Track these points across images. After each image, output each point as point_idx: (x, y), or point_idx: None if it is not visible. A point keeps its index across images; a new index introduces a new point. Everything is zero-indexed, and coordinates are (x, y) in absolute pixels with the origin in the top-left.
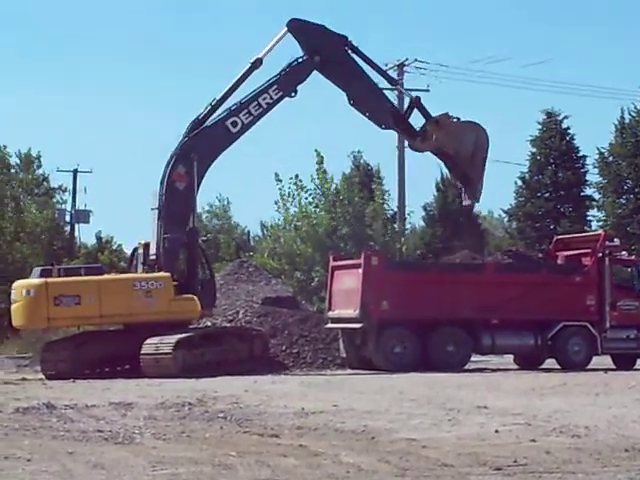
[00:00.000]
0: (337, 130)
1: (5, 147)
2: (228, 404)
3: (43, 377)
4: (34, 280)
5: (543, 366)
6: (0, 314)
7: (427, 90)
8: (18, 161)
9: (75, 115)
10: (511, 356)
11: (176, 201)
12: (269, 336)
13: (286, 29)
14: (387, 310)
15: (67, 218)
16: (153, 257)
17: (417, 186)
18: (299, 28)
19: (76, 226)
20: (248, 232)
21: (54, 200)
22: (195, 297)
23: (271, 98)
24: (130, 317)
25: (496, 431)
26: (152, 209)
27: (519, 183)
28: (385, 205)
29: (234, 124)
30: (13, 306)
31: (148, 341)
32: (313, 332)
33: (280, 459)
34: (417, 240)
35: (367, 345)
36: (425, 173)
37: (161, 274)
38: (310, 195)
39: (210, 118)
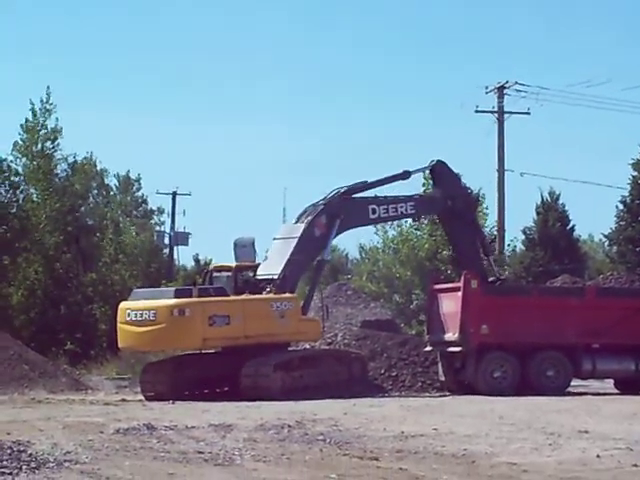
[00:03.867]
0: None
1: (106, 170)
2: (327, 427)
3: (143, 398)
4: (189, 299)
5: None
6: (99, 335)
7: (527, 113)
8: (117, 183)
9: (174, 137)
10: (611, 381)
11: (309, 242)
12: (368, 359)
13: (432, 164)
14: (487, 334)
15: (166, 240)
16: (268, 277)
17: (517, 210)
18: (441, 172)
19: (175, 248)
20: (347, 255)
21: (153, 222)
22: (318, 319)
23: (405, 210)
24: (267, 337)
25: (597, 456)
26: (275, 238)
27: (620, 207)
28: (486, 230)
29: (373, 211)
30: (148, 328)
31: (248, 363)
32: (412, 355)
33: None
34: (517, 264)
35: (466, 369)
36: (525, 196)
37: (291, 295)
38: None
39: (358, 195)
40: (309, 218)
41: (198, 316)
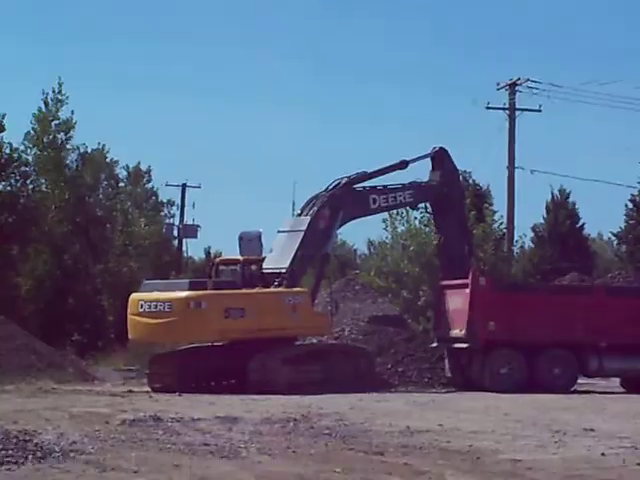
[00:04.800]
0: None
1: (116, 161)
2: (333, 421)
3: (149, 390)
4: (205, 292)
5: None
6: (106, 327)
7: (539, 110)
8: (127, 175)
9: (184, 130)
10: (618, 379)
11: (314, 235)
12: (375, 354)
13: (434, 151)
14: (494, 331)
15: (175, 232)
16: (275, 271)
17: (526, 207)
18: (442, 158)
19: (184, 240)
20: (355, 250)
21: (162, 214)
22: (327, 314)
23: (404, 199)
24: (279, 331)
25: (602, 454)
26: (279, 231)
27: (630, 206)
28: (495, 226)
29: (374, 201)
30: (163, 320)
31: (255, 357)
32: (419, 351)
33: (385, 477)
34: (526, 262)
35: (473, 365)
36: (534, 194)
37: (302, 289)
38: (420, 214)
39: (358, 185)
40: (314, 209)
41: (214, 308)
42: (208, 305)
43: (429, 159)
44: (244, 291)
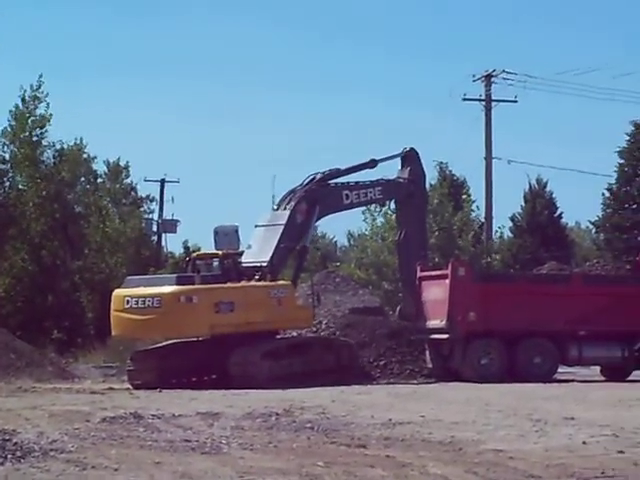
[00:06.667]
0: (425, 142)
1: (94, 158)
2: (315, 414)
3: (130, 387)
4: (195, 286)
5: (630, 378)
6: (86, 324)
7: (515, 101)
8: (106, 170)
9: (162, 125)
10: (598, 368)
11: (293, 228)
12: (356, 346)
13: (405, 151)
14: (474, 321)
15: (154, 228)
16: (255, 265)
17: (504, 197)
18: (413, 158)
19: (163, 235)
20: (335, 242)
21: (142, 210)
22: (309, 306)
23: (374, 195)
24: (265, 325)
25: (584, 442)
26: (257, 225)
27: (606, 194)
28: (473, 215)
29: (347, 197)
30: (152, 316)
31: (236, 351)
32: (400, 343)
33: (367, 470)
34: (504, 251)
35: (454, 356)
36: (512, 184)
37: (286, 282)
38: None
39: (332, 181)
40: (291, 203)
41: (205, 303)
42: (199, 299)
43: (399, 159)
44: (233, 285)
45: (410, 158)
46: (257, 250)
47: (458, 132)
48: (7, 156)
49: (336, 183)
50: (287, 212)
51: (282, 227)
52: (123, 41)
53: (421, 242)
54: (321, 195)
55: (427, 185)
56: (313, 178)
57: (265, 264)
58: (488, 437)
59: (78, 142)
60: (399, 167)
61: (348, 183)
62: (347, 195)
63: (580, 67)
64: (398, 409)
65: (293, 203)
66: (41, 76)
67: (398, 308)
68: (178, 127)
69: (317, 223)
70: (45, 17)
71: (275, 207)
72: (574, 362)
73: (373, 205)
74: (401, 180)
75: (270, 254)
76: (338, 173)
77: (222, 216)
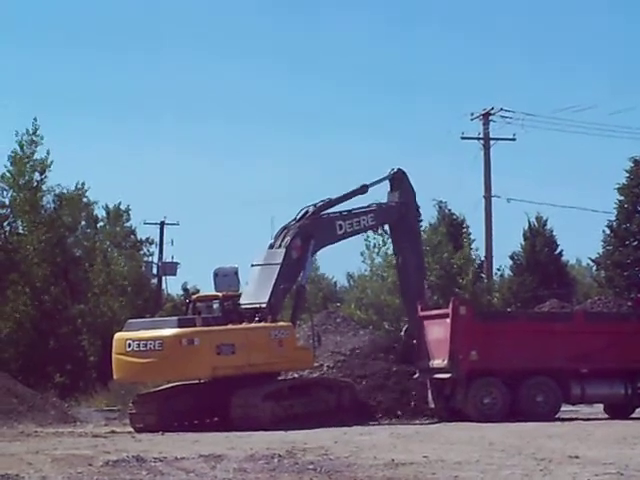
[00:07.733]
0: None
1: (95, 202)
2: (318, 455)
3: (132, 430)
4: (196, 329)
5: (634, 415)
6: (88, 367)
7: (513, 139)
8: (105, 214)
9: (161, 168)
10: (601, 405)
11: (289, 267)
12: (357, 387)
13: (392, 172)
14: (476, 360)
15: (154, 270)
16: (254, 306)
17: (504, 235)
18: (401, 180)
19: (163, 278)
20: (335, 283)
21: (141, 252)
22: (310, 347)
23: (367, 222)
24: (267, 366)
25: None
26: (253, 265)
27: (607, 231)
28: (473, 253)
29: (340, 227)
30: (154, 359)
31: (237, 393)
32: (402, 383)
33: None
34: (505, 290)
35: (456, 395)
36: (511, 222)
37: (287, 323)
38: None
39: (324, 212)
40: (286, 239)
41: (207, 345)
42: (200, 342)
43: (388, 182)
44: (234, 327)
45: (398, 179)
46: (254, 290)
47: (457, 171)
48: (7, 201)
49: (328, 214)
50: (282, 250)
51: (278, 267)
52: (121, 83)
53: (418, 260)
54: (315, 229)
55: (426, 224)
56: (306, 212)
57: (264, 305)
58: (492, 477)
59: (80, 186)
60: (388, 189)
61: (341, 213)
62: (340, 225)
63: (578, 104)
64: (401, 450)
65: (288, 239)
66: (36, 120)
67: (404, 328)
68: (177, 168)
69: (314, 257)
70: (42, 62)
71: (271, 244)
72: (577, 400)
73: (372, 246)
74: (392, 204)
75: (268, 294)
76: (330, 203)
77: (221, 257)
